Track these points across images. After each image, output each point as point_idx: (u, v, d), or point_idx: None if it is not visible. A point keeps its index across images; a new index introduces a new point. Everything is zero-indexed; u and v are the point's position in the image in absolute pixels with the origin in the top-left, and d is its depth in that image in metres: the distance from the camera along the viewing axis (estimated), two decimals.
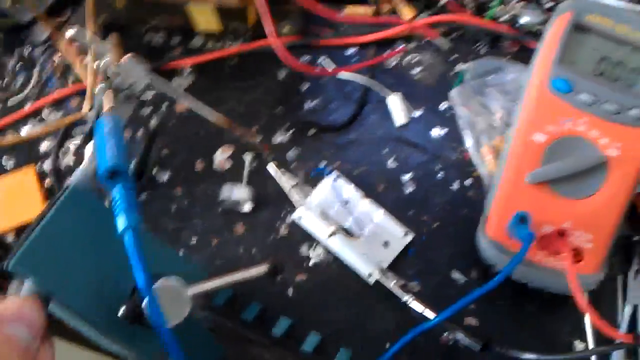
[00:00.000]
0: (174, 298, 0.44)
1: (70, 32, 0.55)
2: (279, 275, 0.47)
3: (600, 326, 0.51)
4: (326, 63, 0.70)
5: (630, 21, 0.55)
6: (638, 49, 0.55)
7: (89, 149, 0.48)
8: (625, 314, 0.58)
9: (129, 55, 0.55)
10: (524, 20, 0.67)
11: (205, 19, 0.70)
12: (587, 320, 0.57)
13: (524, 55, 0.66)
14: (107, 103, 0.52)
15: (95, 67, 0.55)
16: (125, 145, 0.46)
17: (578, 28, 0.56)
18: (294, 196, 0.64)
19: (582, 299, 0.50)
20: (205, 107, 0.63)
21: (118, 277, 0.44)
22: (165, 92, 0.61)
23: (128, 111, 0.56)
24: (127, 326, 0.44)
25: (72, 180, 0.46)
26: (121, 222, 0.42)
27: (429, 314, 0.56)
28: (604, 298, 0.59)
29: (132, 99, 0.56)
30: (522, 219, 0.53)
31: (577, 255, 0.54)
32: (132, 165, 0.66)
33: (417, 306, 0.57)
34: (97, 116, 0.50)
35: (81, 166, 0.46)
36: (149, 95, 0.70)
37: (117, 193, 0.43)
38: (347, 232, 0.62)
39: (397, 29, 0.70)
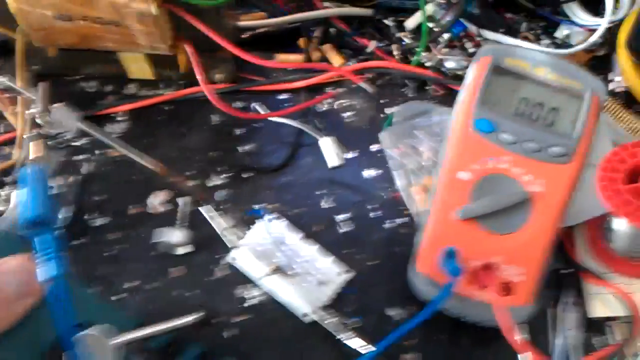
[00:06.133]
0: (98, 348, 0.43)
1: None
2: (207, 325, 0.46)
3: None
4: (259, 108, 0.72)
5: (546, 64, 0.58)
6: (555, 90, 0.58)
7: (14, 195, 0.48)
8: (556, 346, 0.60)
9: (59, 104, 0.55)
10: (449, 65, 0.70)
11: (138, 67, 0.70)
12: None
13: (449, 99, 0.68)
14: (33, 152, 0.52)
15: (25, 115, 0.55)
16: (49, 195, 0.46)
17: (498, 71, 0.58)
18: (228, 238, 0.64)
19: (509, 331, 0.52)
20: (140, 154, 0.63)
21: (40, 328, 0.43)
22: (99, 138, 0.61)
23: (57, 159, 0.56)
24: None
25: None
26: (47, 271, 0.42)
27: (366, 351, 0.57)
28: (537, 331, 0.60)
29: (62, 146, 0.56)
30: (450, 254, 0.55)
31: (506, 289, 0.56)
32: (64, 212, 0.66)
33: (354, 343, 0.58)
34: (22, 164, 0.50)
35: (6, 212, 0.46)
36: (82, 141, 0.70)
37: (41, 242, 0.43)
38: (283, 273, 0.62)
39: (326, 75, 0.72)
